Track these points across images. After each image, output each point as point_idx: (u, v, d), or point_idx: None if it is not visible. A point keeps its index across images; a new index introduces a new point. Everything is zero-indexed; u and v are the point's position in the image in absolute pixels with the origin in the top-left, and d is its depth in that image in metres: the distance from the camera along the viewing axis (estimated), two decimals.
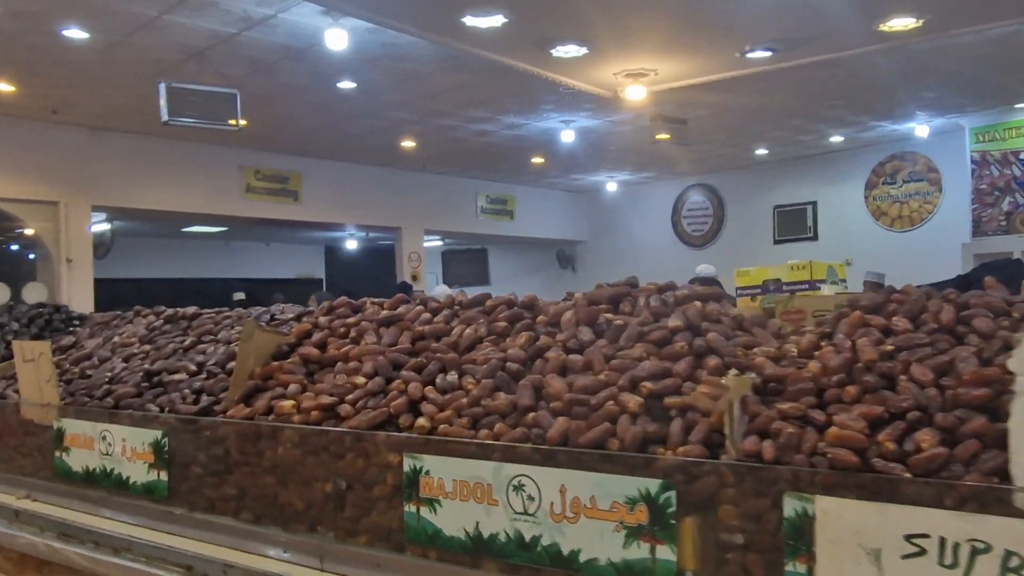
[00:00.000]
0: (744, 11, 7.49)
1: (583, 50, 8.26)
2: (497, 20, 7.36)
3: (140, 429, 2.54)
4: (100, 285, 12.57)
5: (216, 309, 3.24)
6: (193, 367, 2.73)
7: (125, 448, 2.57)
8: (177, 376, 2.71)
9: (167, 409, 2.56)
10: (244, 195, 13.67)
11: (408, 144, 13.49)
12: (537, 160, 14.66)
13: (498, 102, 11.17)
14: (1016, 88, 10.64)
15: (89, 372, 3.01)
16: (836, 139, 13.18)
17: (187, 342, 2.96)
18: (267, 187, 13.94)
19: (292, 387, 2.35)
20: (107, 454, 2.62)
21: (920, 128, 12.27)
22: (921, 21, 7.43)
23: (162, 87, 9.04)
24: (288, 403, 2.29)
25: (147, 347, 3.06)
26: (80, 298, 11.91)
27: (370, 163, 14.65)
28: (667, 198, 16.45)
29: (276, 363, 2.49)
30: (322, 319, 2.70)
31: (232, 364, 2.59)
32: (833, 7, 7.33)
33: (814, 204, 14.45)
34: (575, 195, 17.71)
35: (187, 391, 2.60)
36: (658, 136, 11.07)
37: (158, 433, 2.49)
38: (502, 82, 10.16)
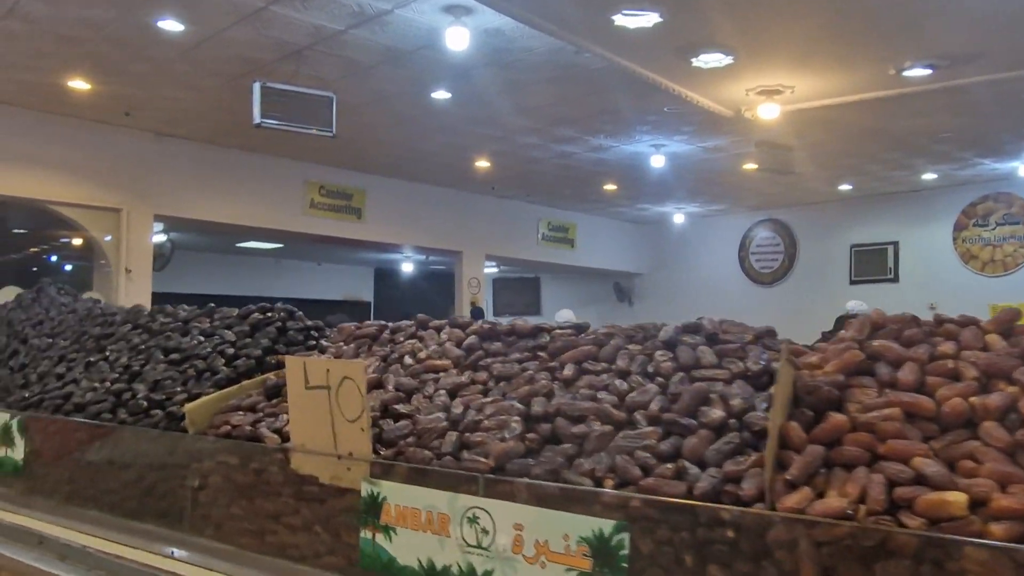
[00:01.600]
0: (911, 21, 6.63)
1: (727, 59, 7.38)
2: (650, 19, 6.50)
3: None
4: (156, 299, 11.59)
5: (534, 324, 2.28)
6: (619, 413, 1.78)
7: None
8: (599, 427, 1.76)
9: (616, 482, 1.61)
10: (307, 211, 12.77)
11: (482, 164, 12.63)
12: (609, 187, 13.80)
13: (591, 121, 10.33)
14: None
15: (407, 413, 2.03)
16: (928, 176, 12.32)
17: (566, 372, 2.00)
18: (331, 203, 13.05)
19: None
20: (480, 547, 1.65)
21: None
22: None
23: (256, 87, 8.15)
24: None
25: (481, 378, 2.09)
26: None
27: (436, 183, 13.78)
28: (735, 232, 15.54)
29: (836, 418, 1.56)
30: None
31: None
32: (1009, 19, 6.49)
33: (895, 244, 13.53)
34: (637, 226, 16.81)
35: (645, 454, 1.68)
36: (757, 166, 10.18)
37: (604, 527, 1.51)
38: (603, 100, 9.36)
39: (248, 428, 2.10)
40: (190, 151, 11.57)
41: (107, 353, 2.86)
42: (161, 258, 12.27)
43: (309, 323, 2.61)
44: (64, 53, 8.35)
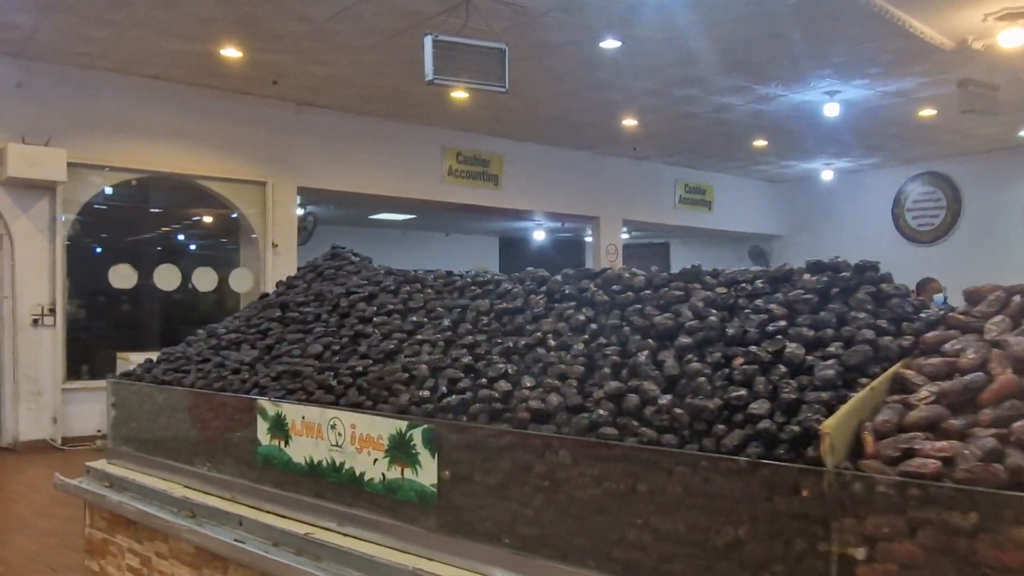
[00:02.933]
0: None
1: None
2: None
3: None
4: None
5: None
6: None
7: None
8: None
9: None
10: (444, 178, 12.16)
11: (629, 123, 11.80)
12: (759, 143, 12.81)
13: (767, 67, 9.42)
14: None
15: None
16: None
17: None
18: (468, 170, 12.41)
19: None
20: None
21: None
22: None
23: (428, 40, 7.48)
24: None
25: None
26: None
27: (575, 146, 13.03)
28: (889, 188, 14.33)
29: None
30: None
31: None
32: None
33: None
34: (779, 185, 15.73)
35: None
36: (962, 107, 9.05)
37: None
38: (790, 39, 8.43)
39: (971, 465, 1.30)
40: (330, 121, 11.08)
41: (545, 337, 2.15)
42: (304, 232, 11.85)
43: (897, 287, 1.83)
44: (221, 18, 7.87)
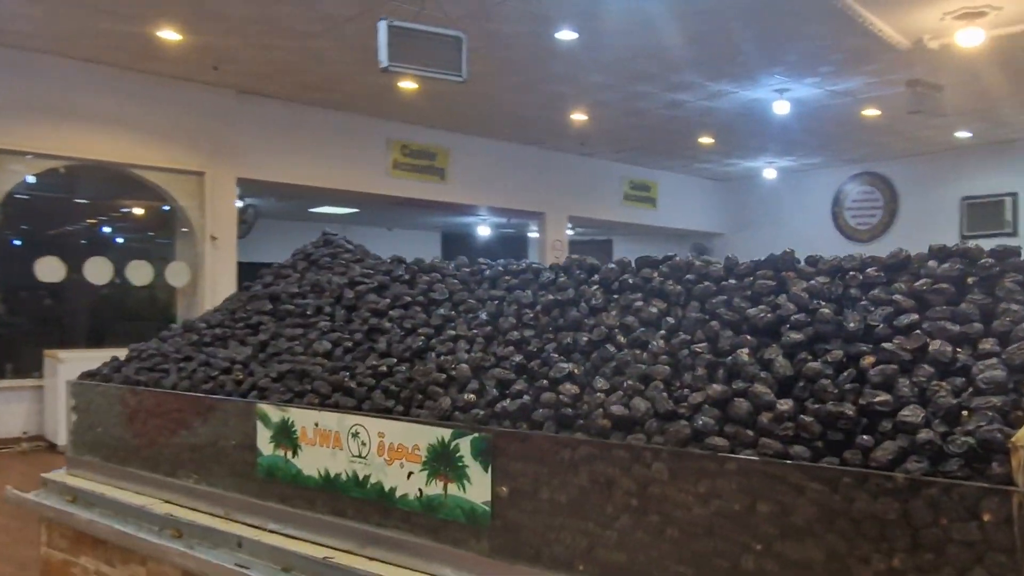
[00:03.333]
0: None
1: None
2: None
3: None
4: (240, 269, 10.70)
5: None
6: None
7: None
8: None
9: None
10: (390, 172, 11.78)
11: (578, 118, 11.62)
12: (706, 140, 12.80)
13: (720, 63, 9.35)
14: None
15: None
16: None
17: None
18: (414, 164, 12.06)
19: None
20: None
21: None
22: None
23: (383, 26, 7.13)
24: None
25: None
26: (224, 282, 10.05)
27: (523, 141, 12.79)
28: (828, 188, 14.52)
29: None
30: None
31: None
32: None
33: (1014, 196, 12.51)
34: (720, 183, 15.81)
35: None
36: (910, 107, 9.17)
37: None
38: (744, 36, 8.38)
39: None
40: (273, 110, 10.59)
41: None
42: (243, 225, 11.31)
43: None
44: None
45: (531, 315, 2.11)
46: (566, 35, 8.41)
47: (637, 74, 9.73)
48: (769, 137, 12.61)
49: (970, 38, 7.47)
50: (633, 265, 2.10)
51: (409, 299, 2.46)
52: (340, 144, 11.25)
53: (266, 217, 13.58)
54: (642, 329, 1.87)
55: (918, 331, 1.50)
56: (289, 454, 2.29)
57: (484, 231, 16.37)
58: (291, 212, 13.85)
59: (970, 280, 1.58)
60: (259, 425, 2.37)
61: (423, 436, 1.97)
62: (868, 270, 1.71)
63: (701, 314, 1.82)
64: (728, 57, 9.12)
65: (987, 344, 1.44)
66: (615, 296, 2.04)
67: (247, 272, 11.54)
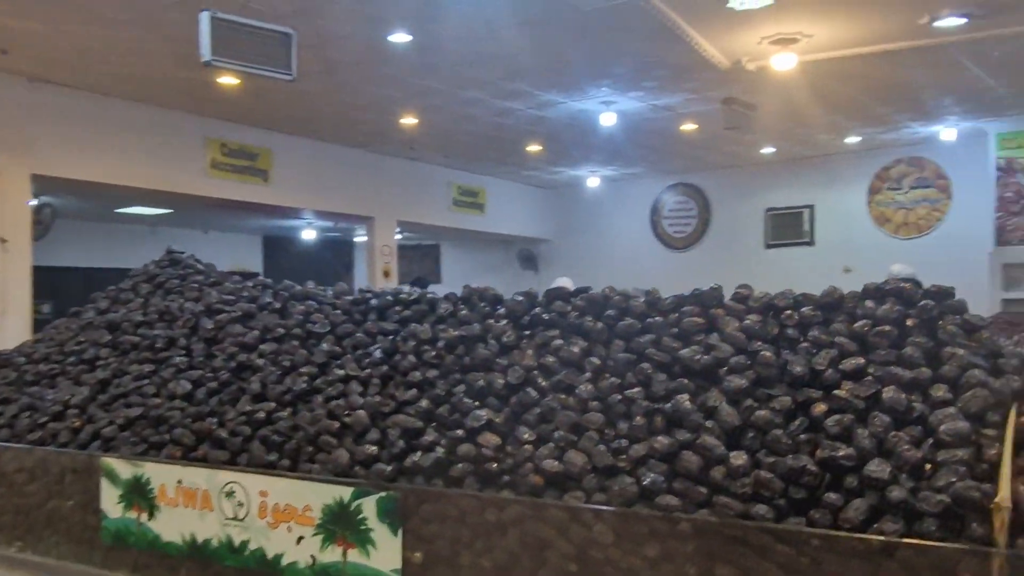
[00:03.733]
0: None
1: (767, 0, 6.67)
2: None
3: None
4: (37, 274, 9.67)
5: None
6: None
7: None
8: None
9: None
10: (207, 172, 11.02)
11: (408, 122, 11.38)
12: (534, 148, 12.95)
13: (551, 73, 9.44)
14: None
15: None
16: (852, 139, 12.32)
17: None
18: (234, 164, 11.36)
19: None
20: None
21: (947, 131, 11.57)
22: None
23: (205, 17, 6.60)
24: None
25: None
26: (17, 288, 9.03)
27: (349, 143, 12.38)
28: (648, 197, 15.12)
29: None
30: None
31: None
32: None
33: (811, 208, 13.55)
34: (544, 190, 16.06)
35: None
36: (724, 124, 9.67)
37: None
38: (578, 48, 8.51)
39: None
40: (73, 101, 9.58)
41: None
42: (39, 225, 10.16)
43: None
44: None
45: (433, 352, 1.92)
46: (400, 37, 8.16)
47: (469, 80, 9.64)
48: (594, 147, 12.94)
49: (784, 62, 7.94)
50: (542, 297, 1.95)
51: (283, 331, 2.18)
52: (151, 141, 10.37)
53: (66, 217, 12.33)
54: (565, 371, 1.72)
55: (869, 377, 1.46)
56: (144, 516, 1.95)
57: (309, 235, 15.75)
58: (95, 212, 12.66)
59: (910, 322, 1.56)
60: (104, 482, 2.01)
61: (317, 495, 1.72)
62: (803, 309, 1.66)
63: (628, 354, 1.70)
64: (558, 68, 9.23)
65: (940, 391, 1.41)
66: (527, 332, 1.88)
67: (45, 277, 10.47)
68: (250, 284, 2.51)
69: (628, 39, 8.25)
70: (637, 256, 14.95)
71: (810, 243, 13.54)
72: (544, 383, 1.75)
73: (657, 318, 1.79)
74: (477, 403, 1.75)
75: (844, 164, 13.13)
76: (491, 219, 15.04)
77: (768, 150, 13.10)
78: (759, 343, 1.62)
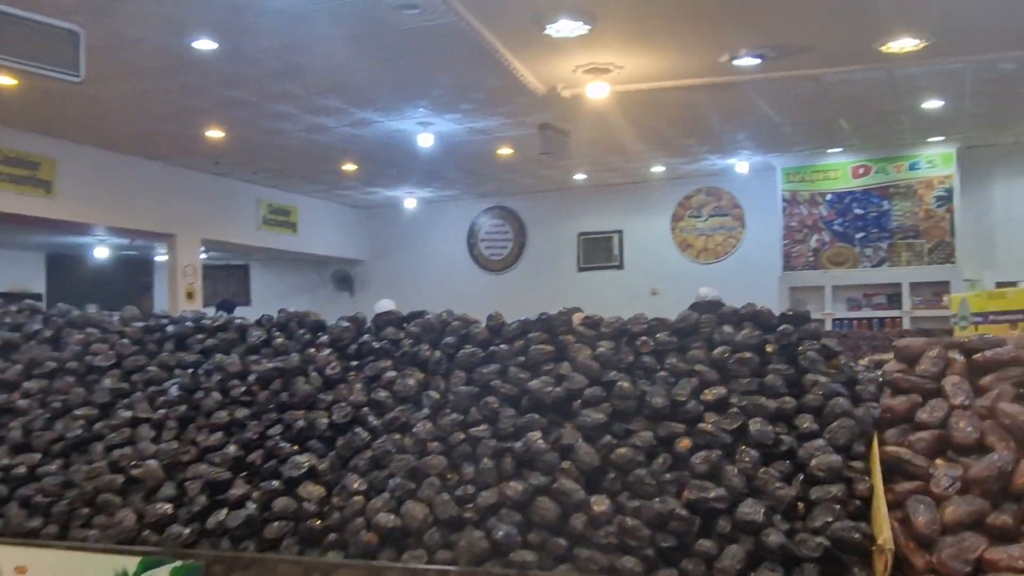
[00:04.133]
0: (742, 9, 6.55)
1: (583, 29, 6.76)
2: None
3: None
4: None
5: None
6: None
7: None
8: None
9: None
10: None
11: (214, 135, 10.71)
12: (349, 167, 12.59)
13: (368, 91, 9.18)
14: (828, 135, 11.03)
15: None
16: (657, 168, 12.88)
17: None
18: (11, 173, 10.23)
19: None
20: None
21: (740, 164, 12.36)
22: (923, 44, 7.09)
23: None
24: None
25: None
26: None
27: (147, 155, 11.47)
28: (465, 219, 15.08)
29: None
30: None
31: None
32: (836, 19, 6.73)
33: (620, 233, 14.03)
34: (361, 210, 15.64)
35: None
36: (540, 149, 9.78)
37: None
38: (395, 67, 8.32)
39: None
40: None
41: None
42: None
43: None
44: None
45: (243, 388, 1.63)
46: (204, 44, 7.59)
47: (280, 94, 9.18)
48: (411, 167, 12.75)
49: (597, 91, 8.11)
50: (371, 323, 1.71)
51: (54, 365, 1.80)
52: None
53: None
54: (400, 407, 1.50)
55: (734, 408, 1.35)
56: None
57: (102, 253, 14.44)
58: None
59: (770, 348, 1.48)
60: None
61: (95, 569, 1.39)
62: (659, 335, 1.54)
63: (471, 387, 1.51)
64: (374, 86, 8.97)
65: (806, 421, 1.32)
66: (354, 363, 1.64)
67: None
68: (14, 308, 2.08)
69: (446, 60, 8.15)
70: (454, 278, 14.87)
71: (619, 266, 14.00)
72: (376, 422, 1.52)
73: (502, 346, 1.61)
74: (296, 447, 1.49)
75: (651, 192, 13.69)
76: (304, 239, 14.45)
77: (581, 176, 13.44)
78: (614, 372, 1.49)
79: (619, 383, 1.42)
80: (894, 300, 11.52)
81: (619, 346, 1.55)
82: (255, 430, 1.53)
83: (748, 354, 1.45)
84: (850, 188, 11.85)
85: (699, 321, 1.57)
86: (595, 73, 7.77)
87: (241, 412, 1.59)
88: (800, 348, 1.47)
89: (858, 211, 11.80)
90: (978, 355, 1.43)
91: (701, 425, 1.32)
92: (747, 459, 1.27)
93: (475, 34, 7.00)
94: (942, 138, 11.06)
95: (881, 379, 1.47)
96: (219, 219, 12.82)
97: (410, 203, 14.83)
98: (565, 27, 6.70)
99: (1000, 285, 10.52)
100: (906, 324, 11.06)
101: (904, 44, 7.12)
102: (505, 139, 11.27)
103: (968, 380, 1.42)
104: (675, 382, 1.42)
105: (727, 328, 1.53)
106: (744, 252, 13.23)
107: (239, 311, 14.09)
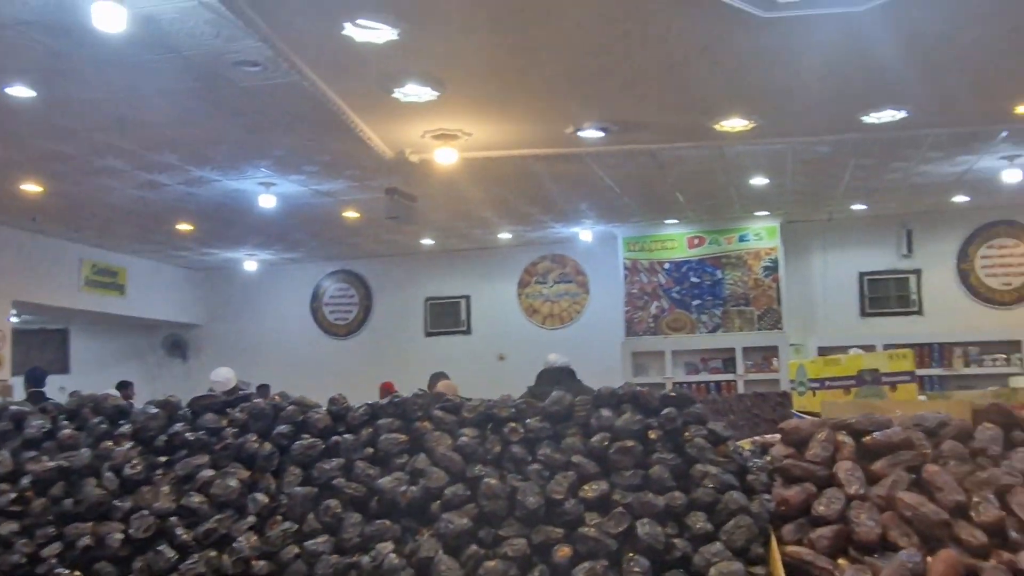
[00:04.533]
0: (587, 85, 6.69)
1: (431, 95, 6.65)
2: (385, 34, 5.50)
3: None
4: None
5: None
6: None
7: None
8: None
9: None
10: None
11: (31, 189, 9.81)
12: (185, 227, 11.87)
13: (203, 150, 8.70)
14: (665, 207, 11.50)
15: None
16: (504, 235, 12.94)
17: None
18: None
19: None
20: None
21: (584, 232, 12.62)
22: (751, 125, 7.46)
23: None
24: None
25: None
26: None
27: None
28: (309, 282, 14.54)
29: None
30: None
31: None
32: (673, 98, 7.00)
33: (467, 298, 13.93)
34: (195, 272, 14.75)
35: None
36: (387, 213, 9.58)
37: None
38: (230, 127, 7.94)
39: None
40: None
41: None
42: None
43: None
44: None
45: (13, 495, 1.27)
46: (20, 91, 6.92)
47: (108, 147, 8.50)
48: (252, 229, 12.18)
49: (445, 157, 8.02)
50: (186, 409, 1.40)
51: None
52: None
53: None
54: (218, 515, 1.20)
55: (618, 507, 1.15)
56: None
57: None
58: None
59: (653, 434, 1.30)
60: None
61: None
62: (529, 420, 1.33)
63: (308, 487, 1.23)
64: (212, 144, 8.49)
65: (699, 520, 1.15)
66: (163, 459, 1.33)
67: None
68: None
69: (289, 120, 7.83)
70: (297, 343, 14.26)
71: (467, 332, 13.87)
72: (186, 535, 1.22)
73: (346, 435, 1.35)
74: (78, 573, 1.17)
75: (497, 258, 13.73)
76: (133, 301, 13.44)
77: (428, 241, 13.31)
78: (480, 466, 1.26)
79: (486, 479, 1.20)
80: (729, 364, 11.97)
81: (484, 434, 1.33)
82: (25, 549, 1.18)
83: (631, 442, 1.27)
84: (686, 258, 12.31)
85: (573, 404, 1.37)
86: (444, 139, 7.69)
87: (9, 527, 1.23)
88: (686, 434, 1.31)
89: (694, 279, 12.25)
90: (867, 438, 1.33)
91: (582, 529, 1.12)
92: (637, 569, 1.08)
93: (320, 95, 6.76)
94: (767, 213, 11.74)
95: (772, 466, 1.34)
96: (33, 279, 11.71)
97: (250, 265, 14.15)
98: (413, 92, 6.58)
99: (822, 350, 11.17)
100: (740, 388, 11.48)
101: (735, 124, 7.46)
102: (351, 202, 10.99)
103: (860, 465, 1.31)
104: (550, 476, 1.21)
105: (605, 412, 1.34)
106: (588, 318, 13.43)
107: (57, 380, 12.82)
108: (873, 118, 7.31)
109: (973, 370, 11.28)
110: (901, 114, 7.21)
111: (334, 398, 1.41)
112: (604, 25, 5.44)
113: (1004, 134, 8.15)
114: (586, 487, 1.22)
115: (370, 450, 1.33)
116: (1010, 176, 9.30)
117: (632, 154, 8.86)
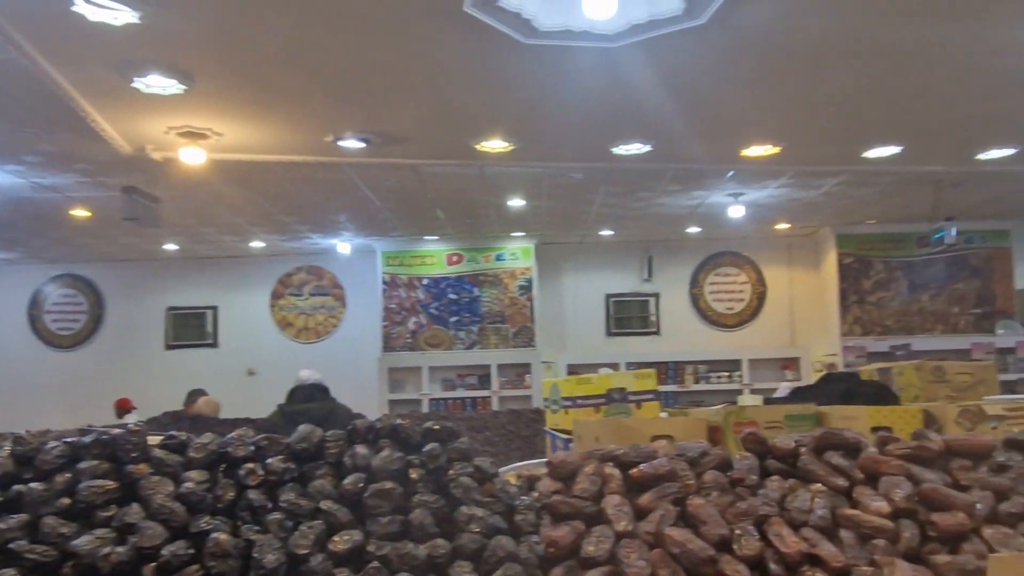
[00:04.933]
0: (348, 91, 6.52)
1: (177, 89, 6.09)
2: (124, 16, 4.95)
3: None
4: None
5: None
6: None
7: None
8: None
9: None
10: None
11: None
12: None
13: None
14: (425, 223, 11.55)
15: None
16: (257, 244, 12.28)
17: None
18: None
19: None
20: None
21: (342, 245, 12.30)
22: (511, 147, 7.59)
23: None
24: None
25: None
26: None
27: None
28: (26, 287, 12.88)
29: None
30: None
31: None
32: (435, 114, 6.98)
33: (215, 309, 13.04)
34: None
35: None
36: (124, 214, 8.71)
37: None
38: None
39: None
40: None
41: None
42: None
43: None
44: None
45: None
46: None
47: None
48: None
49: (192, 156, 7.42)
50: None
51: None
52: None
53: None
54: None
55: (373, 561, 0.99)
56: None
57: None
58: None
59: (414, 474, 1.16)
60: None
61: None
62: (271, 460, 1.13)
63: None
64: None
65: (465, 571, 1.02)
66: None
67: None
68: None
69: (5, 102, 6.87)
70: (10, 357, 12.59)
71: (213, 345, 12.99)
72: None
73: (33, 484, 1.07)
74: None
75: (249, 267, 13.01)
76: None
77: (172, 246, 12.31)
78: (208, 518, 1.04)
79: (215, 534, 0.99)
80: (484, 381, 12.16)
81: (215, 477, 1.12)
82: None
83: (389, 484, 1.11)
84: (445, 274, 12.38)
85: (324, 440, 1.19)
86: (190, 137, 7.09)
87: None
88: (451, 473, 1.18)
89: (452, 296, 12.35)
90: (634, 470, 1.29)
91: None
92: None
93: (45, 77, 5.97)
94: (523, 233, 12.11)
95: (539, 503, 1.25)
96: None
97: None
98: (157, 83, 5.98)
99: (571, 367, 11.67)
100: (495, 404, 11.70)
101: (495, 145, 7.58)
102: (81, 200, 9.87)
103: (628, 499, 1.26)
104: (294, 527, 1.03)
105: (360, 449, 1.18)
106: (345, 332, 13.10)
107: None
108: (622, 149, 7.73)
109: (702, 386, 12.32)
110: (647, 148, 7.68)
111: (19, 436, 1.12)
112: (365, 32, 5.27)
113: (731, 174, 8.97)
114: (336, 538, 1.05)
115: (66, 502, 1.06)
116: (735, 212, 10.26)
117: (394, 168, 8.72)
